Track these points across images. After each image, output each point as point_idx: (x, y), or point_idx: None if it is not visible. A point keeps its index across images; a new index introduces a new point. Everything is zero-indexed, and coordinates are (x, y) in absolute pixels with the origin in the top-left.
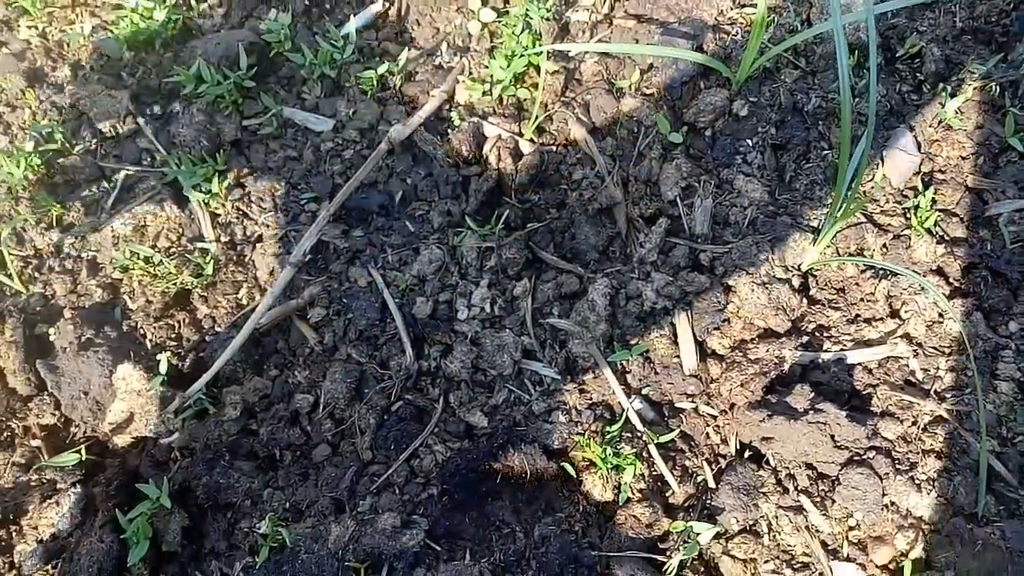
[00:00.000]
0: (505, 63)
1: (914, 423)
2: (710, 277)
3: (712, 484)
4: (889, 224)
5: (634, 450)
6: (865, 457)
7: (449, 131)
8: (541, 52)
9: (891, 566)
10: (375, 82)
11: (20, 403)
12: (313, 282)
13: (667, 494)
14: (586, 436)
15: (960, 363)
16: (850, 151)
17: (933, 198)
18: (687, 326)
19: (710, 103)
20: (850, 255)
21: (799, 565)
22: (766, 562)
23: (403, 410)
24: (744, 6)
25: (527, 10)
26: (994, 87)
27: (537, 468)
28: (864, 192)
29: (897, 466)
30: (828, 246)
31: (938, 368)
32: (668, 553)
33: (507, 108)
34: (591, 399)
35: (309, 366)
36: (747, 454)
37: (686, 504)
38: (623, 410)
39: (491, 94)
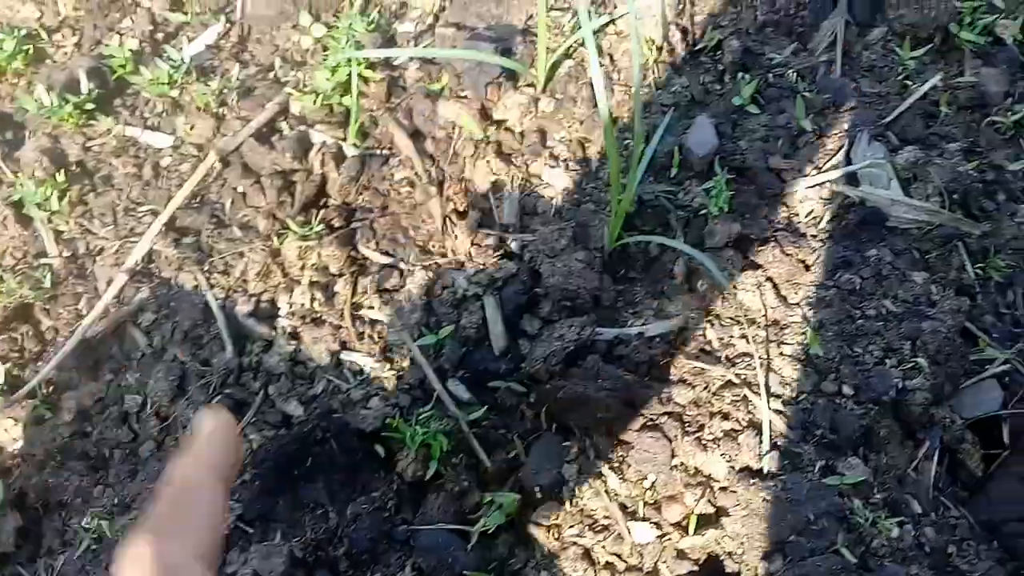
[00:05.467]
0: (329, 73)
1: (705, 388)
2: (518, 263)
3: (523, 457)
4: (690, 205)
5: (444, 428)
6: (658, 422)
7: (277, 140)
8: (350, 59)
9: (683, 523)
10: (212, 99)
11: None
12: (143, 289)
13: (479, 469)
14: (399, 418)
15: (751, 331)
16: (641, 140)
17: (730, 179)
18: (495, 310)
19: (516, 102)
20: (653, 235)
21: (600, 528)
22: (570, 527)
23: (222, 403)
24: (553, 9)
25: (351, 23)
26: (790, 74)
27: (350, 451)
28: (668, 176)
29: (686, 428)
30: (627, 228)
31: (731, 336)
32: (476, 524)
33: (335, 116)
34: (407, 383)
35: (140, 368)
36: (554, 427)
37: (497, 477)
38: (435, 392)
39: (318, 103)
